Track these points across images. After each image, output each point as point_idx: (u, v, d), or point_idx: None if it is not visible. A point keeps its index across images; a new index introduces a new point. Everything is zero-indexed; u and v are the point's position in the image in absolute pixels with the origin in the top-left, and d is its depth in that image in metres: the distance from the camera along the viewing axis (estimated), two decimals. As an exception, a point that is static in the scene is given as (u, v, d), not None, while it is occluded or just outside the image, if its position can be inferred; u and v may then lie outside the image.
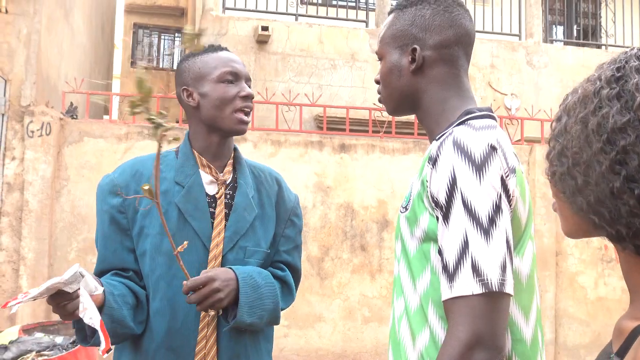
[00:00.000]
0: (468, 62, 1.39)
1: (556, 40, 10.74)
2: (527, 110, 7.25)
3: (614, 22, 9.65)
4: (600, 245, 6.09)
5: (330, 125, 6.81)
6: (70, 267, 1.46)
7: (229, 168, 1.79)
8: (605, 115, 0.77)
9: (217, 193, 1.74)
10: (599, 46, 9.79)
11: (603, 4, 10.38)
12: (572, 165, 0.82)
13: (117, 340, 1.64)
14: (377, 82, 1.45)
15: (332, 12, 8.66)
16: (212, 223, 1.71)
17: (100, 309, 1.52)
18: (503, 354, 1.11)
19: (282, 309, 1.79)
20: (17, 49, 5.34)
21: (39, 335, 2.98)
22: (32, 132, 5.16)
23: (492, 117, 1.31)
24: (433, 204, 1.19)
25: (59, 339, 2.92)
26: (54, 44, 6.28)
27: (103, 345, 1.38)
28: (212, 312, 1.61)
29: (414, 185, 1.28)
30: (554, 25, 11.40)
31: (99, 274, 1.70)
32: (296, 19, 8.26)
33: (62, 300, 1.46)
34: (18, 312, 5.03)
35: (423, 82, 1.36)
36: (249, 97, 1.74)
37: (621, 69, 0.79)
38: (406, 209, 1.28)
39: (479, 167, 1.14)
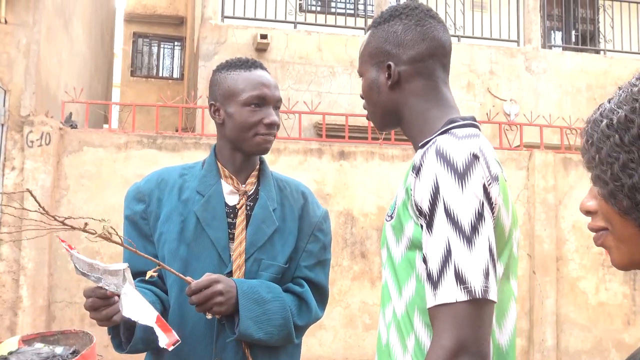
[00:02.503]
0: (446, 72, 1.40)
1: (555, 46, 10.76)
2: (526, 116, 7.26)
3: (612, 28, 9.68)
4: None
5: (329, 132, 6.82)
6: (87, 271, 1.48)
7: (251, 179, 1.79)
8: None
9: (237, 204, 1.76)
10: (597, 51, 9.82)
11: (601, 10, 10.41)
12: None
13: (147, 348, 1.66)
14: (362, 97, 1.47)
15: (330, 19, 8.68)
16: (230, 234, 1.72)
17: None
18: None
19: (300, 326, 1.76)
20: (16, 59, 5.36)
21: (38, 345, 2.96)
22: (32, 142, 5.17)
23: (476, 126, 1.33)
24: (417, 212, 1.20)
25: (58, 350, 2.91)
26: (54, 54, 6.30)
27: (165, 340, 1.39)
28: (209, 316, 1.61)
29: (399, 194, 1.30)
30: (552, 31, 11.43)
31: None
32: (295, 27, 8.29)
33: (100, 304, 1.48)
34: (18, 322, 5.03)
35: (402, 96, 1.38)
36: (273, 125, 1.73)
37: None
38: (392, 218, 1.29)
39: (461, 176, 1.15)
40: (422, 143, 1.32)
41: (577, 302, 6.09)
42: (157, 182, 1.78)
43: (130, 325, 1.61)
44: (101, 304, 1.47)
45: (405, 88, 1.37)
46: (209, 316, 1.61)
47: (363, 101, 1.48)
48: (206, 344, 1.68)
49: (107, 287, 1.45)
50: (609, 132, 0.84)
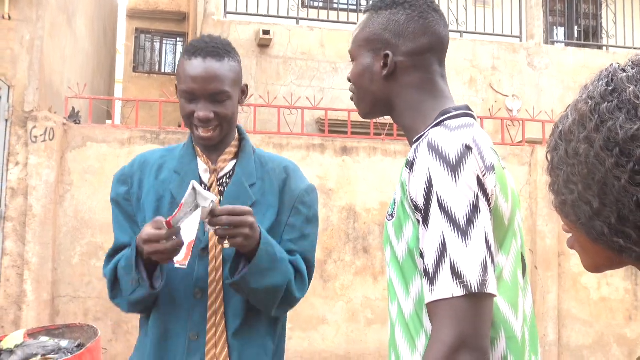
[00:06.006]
0: (442, 66, 1.37)
1: (557, 42, 10.74)
2: (528, 112, 7.26)
3: (615, 23, 9.66)
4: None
5: (332, 128, 6.83)
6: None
7: (225, 157, 1.79)
8: (612, 128, 0.73)
9: (207, 181, 1.77)
10: (600, 47, 9.80)
11: (604, 5, 10.39)
12: (584, 190, 0.77)
13: (152, 297, 1.70)
14: (349, 80, 1.43)
15: (333, 15, 8.68)
16: None
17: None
18: (488, 355, 1.10)
19: (296, 298, 1.74)
20: (20, 55, 5.38)
21: (44, 339, 3.00)
22: (36, 137, 5.19)
23: (470, 115, 1.30)
24: (413, 208, 1.19)
25: (64, 343, 2.94)
26: (57, 50, 6.31)
27: (181, 257, 1.48)
28: (226, 245, 1.61)
29: (396, 191, 1.28)
30: (554, 27, 11.41)
31: (113, 254, 1.77)
32: (297, 23, 8.29)
33: (159, 246, 1.52)
34: (23, 316, 5.06)
35: (396, 87, 1.35)
36: (204, 120, 1.69)
37: (611, 83, 0.77)
38: (392, 216, 1.28)
39: (454, 168, 1.13)
40: (416, 138, 1.30)
41: (579, 297, 6.10)
42: (140, 164, 1.82)
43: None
44: (166, 238, 1.52)
45: (400, 79, 1.34)
46: (227, 245, 1.61)
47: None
48: (183, 318, 1.69)
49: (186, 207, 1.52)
50: (557, 141, 0.83)
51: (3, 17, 5.31)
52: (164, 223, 1.52)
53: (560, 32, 11.52)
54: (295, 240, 1.78)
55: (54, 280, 5.21)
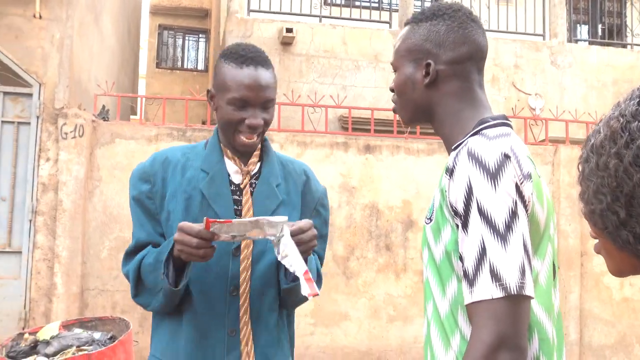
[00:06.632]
0: (481, 74, 1.43)
1: (581, 40, 10.67)
2: (551, 111, 7.25)
3: (640, 21, 9.59)
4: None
5: (354, 125, 6.87)
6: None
7: (254, 159, 1.84)
8: None
9: (241, 183, 1.81)
10: (624, 45, 9.72)
11: (628, 3, 10.30)
12: (612, 201, 0.84)
13: (178, 298, 1.73)
14: (392, 90, 1.50)
15: (355, 13, 8.72)
16: (236, 210, 1.78)
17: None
18: (526, 354, 1.15)
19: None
20: (50, 53, 5.50)
21: (77, 331, 3.09)
22: (66, 134, 5.31)
23: (507, 125, 1.36)
24: (452, 213, 1.24)
25: (97, 335, 3.03)
26: (85, 48, 6.44)
27: (308, 291, 1.52)
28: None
29: (435, 196, 1.33)
30: (578, 25, 11.34)
31: (133, 251, 1.79)
32: (320, 21, 8.34)
33: (204, 245, 1.56)
34: (53, 308, 5.19)
35: (437, 95, 1.41)
36: (254, 127, 1.74)
37: None
38: (430, 220, 1.33)
39: (494, 176, 1.19)
40: (455, 145, 1.35)
41: (601, 297, 6.10)
42: (161, 162, 1.81)
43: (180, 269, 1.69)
44: (205, 244, 1.56)
45: (441, 87, 1.39)
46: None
47: (388, 95, 1.50)
48: (220, 314, 1.73)
49: (270, 239, 1.58)
50: (589, 154, 0.89)
51: (34, 17, 5.43)
52: (204, 222, 1.55)
53: (583, 30, 11.45)
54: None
55: (83, 274, 5.33)
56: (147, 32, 16.43)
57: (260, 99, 1.74)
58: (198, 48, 16.75)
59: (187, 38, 16.70)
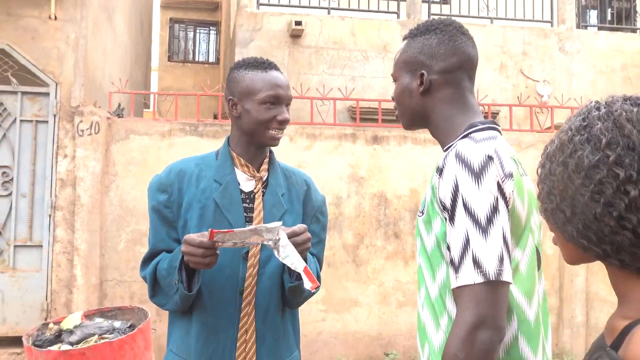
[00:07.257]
0: (472, 82, 1.59)
1: (590, 26, 10.65)
2: (557, 99, 7.30)
3: (649, 5, 9.55)
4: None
5: (363, 115, 6.99)
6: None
7: (264, 167, 2.04)
8: (580, 156, 0.96)
9: (254, 189, 1.99)
10: (634, 30, 9.69)
11: (638, -13, 10.26)
12: (560, 201, 1.00)
13: (190, 300, 1.90)
14: (393, 99, 1.67)
15: (363, 4, 8.79)
16: (247, 217, 1.95)
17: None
18: (504, 333, 1.30)
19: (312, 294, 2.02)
20: (66, 54, 5.67)
21: (99, 320, 3.26)
22: (82, 131, 5.49)
23: (495, 129, 1.52)
24: (441, 207, 1.40)
25: (117, 324, 3.19)
26: (99, 47, 6.60)
27: (310, 284, 1.68)
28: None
29: (427, 192, 1.49)
30: (587, 10, 11.30)
31: (149, 257, 1.98)
32: (328, 13, 8.43)
33: (208, 253, 1.72)
34: (73, 299, 5.39)
35: (431, 102, 1.57)
36: (284, 122, 1.95)
37: (586, 119, 0.99)
38: (423, 213, 1.49)
39: (477, 175, 1.34)
40: (446, 147, 1.52)
41: (606, 280, 6.14)
42: (177, 173, 1.98)
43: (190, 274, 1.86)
44: (209, 253, 1.72)
45: (434, 95, 1.56)
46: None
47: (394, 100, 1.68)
48: (230, 313, 1.91)
49: (266, 243, 1.73)
50: (545, 161, 1.05)
51: (50, 18, 5.60)
52: (208, 233, 1.71)
53: (592, 16, 11.41)
54: (314, 245, 2.06)
55: (102, 266, 5.53)
56: (158, 26, 16.58)
57: (288, 97, 1.98)
58: (209, 40, 16.89)
59: (198, 31, 16.84)
